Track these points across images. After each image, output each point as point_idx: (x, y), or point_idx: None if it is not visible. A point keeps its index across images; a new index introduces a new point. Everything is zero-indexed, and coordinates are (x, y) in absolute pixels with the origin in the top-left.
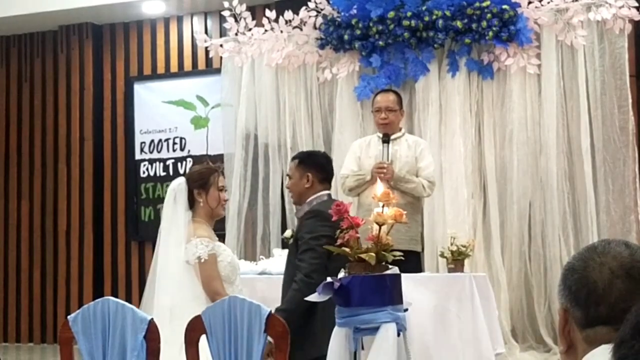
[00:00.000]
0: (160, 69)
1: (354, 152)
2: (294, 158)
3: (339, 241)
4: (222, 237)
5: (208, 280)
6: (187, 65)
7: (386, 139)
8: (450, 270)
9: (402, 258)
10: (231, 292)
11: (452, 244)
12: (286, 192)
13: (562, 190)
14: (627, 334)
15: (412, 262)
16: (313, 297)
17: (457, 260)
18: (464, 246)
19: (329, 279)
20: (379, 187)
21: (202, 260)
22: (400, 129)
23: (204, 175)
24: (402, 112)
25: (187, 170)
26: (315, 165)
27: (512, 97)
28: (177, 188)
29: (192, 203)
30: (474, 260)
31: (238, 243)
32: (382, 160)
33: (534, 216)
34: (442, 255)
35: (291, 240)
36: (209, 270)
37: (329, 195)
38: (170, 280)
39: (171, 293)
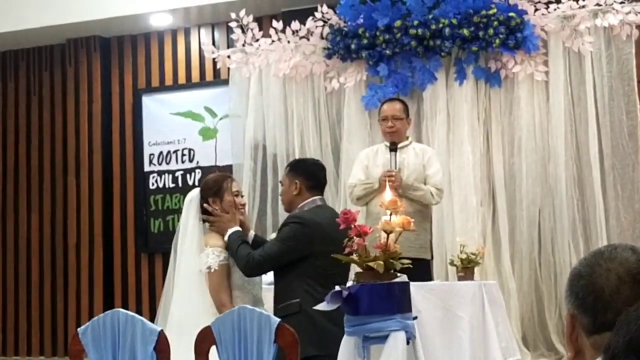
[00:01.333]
0: (168, 80)
1: (362, 161)
2: (287, 165)
3: (347, 250)
4: None
5: (215, 291)
6: (195, 76)
7: (393, 147)
8: (460, 278)
9: (411, 266)
10: (247, 302)
11: (461, 252)
12: None
13: (571, 196)
14: (619, 350)
15: (422, 270)
16: (321, 307)
17: (466, 268)
18: (473, 254)
19: (337, 288)
20: (387, 195)
21: (212, 270)
22: (407, 138)
23: (218, 182)
24: (408, 120)
25: (198, 181)
26: (304, 172)
27: (520, 104)
28: (192, 198)
29: (209, 212)
30: (484, 268)
31: None
32: (389, 168)
33: (543, 223)
34: (451, 263)
35: None
36: (217, 281)
37: (322, 199)
38: (182, 291)
39: (183, 304)
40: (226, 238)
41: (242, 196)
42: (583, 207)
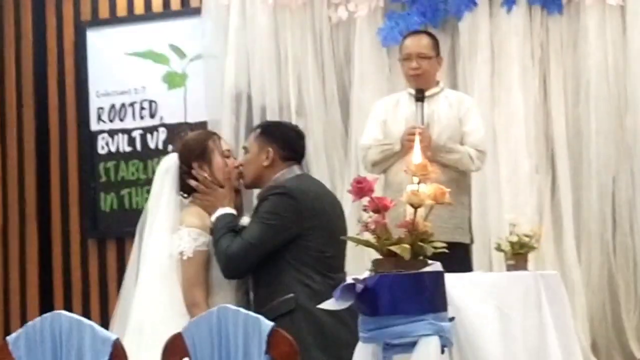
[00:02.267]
0: (122, 10)
1: (378, 115)
2: (255, 128)
3: (361, 229)
4: None
5: (188, 285)
6: (157, 5)
7: (420, 96)
8: (509, 268)
9: (446, 251)
10: (229, 301)
11: (511, 234)
12: None
13: None
14: None
15: (459, 257)
16: (328, 305)
17: (518, 254)
18: (527, 236)
19: (349, 280)
20: (415, 156)
21: (185, 258)
22: (437, 83)
23: (201, 142)
24: (439, 60)
25: (163, 143)
26: (280, 139)
27: (588, 37)
28: (169, 166)
29: (189, 185)
30: (541, 255)
31: None
32: (415, 123)
33: (619, 195)
34: (498, 248)
35: None
36: (191, 273)
37: (301, 168)
38: (146, 285)
39: (147, 302)
40: (213, 219)
41: (234, 158)
42: None
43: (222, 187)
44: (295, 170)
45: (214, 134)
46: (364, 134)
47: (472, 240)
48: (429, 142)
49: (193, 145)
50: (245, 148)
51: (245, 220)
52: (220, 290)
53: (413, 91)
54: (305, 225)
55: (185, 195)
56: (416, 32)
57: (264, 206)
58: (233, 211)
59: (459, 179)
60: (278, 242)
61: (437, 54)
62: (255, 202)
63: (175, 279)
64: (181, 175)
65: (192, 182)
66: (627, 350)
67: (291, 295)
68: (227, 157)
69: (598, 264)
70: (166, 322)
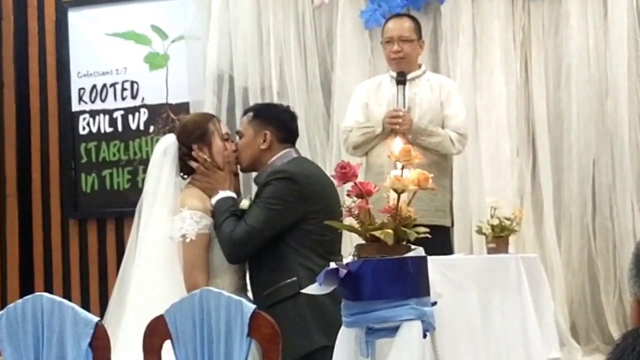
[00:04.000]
0: None
1: (360, 98)
2: (246, 111)
3: (344, 214)
4: None
5: (190, 267)
6: None
7: (401, 79)
8: (490, 251)
9: (429, 236)
10: (229, 284)
11: (492, 217)
12: None
13: (636, 142)
14: None
15: (439, 240)
16: (311, 289)
17: (499, 237)
18: (508, 219)
19: (332, 265)
20: (397, 143)
21: (188, 240)
22: (419, 66)
23: (200, 124)
24: (421, 43)
25: (144, 124)
26: (275, 120)
27: (569, 22)
28: (168, 147)
29: (189, 166)
30: (522, 238)
31: None
32: (396, 106)
33: (599, 178)
34: (479, 231)
35: None
36: (193, 255)
37: (297, 151)
38: (146, 266)
39: (146, 283)
40: (213, 202)
41: (232, 141)
42: None
43: (221, 169)
44: (292, 153)
45: (213, 116)
46: (346, 117)
47: (452, 223)
48: (410, 125)
49: (192, 127)
50: (238, 132)
51: (244, 203)
52: (221, 273)
53: (395, 74)
54: (308, 209)
55: (185, 176)
56: (398, 15)
57: (267, 191)
58: (233, 194)
59: (439, 162)
60: (282, 227)
61: (419, 37)
62: (249, 185)
63: (176, 261)
64: (181, 157)
65: (193, 164)
66: (606, 332)
67: (294, 279)
68: (227, 140)
69: (578, 247)
70: (166, 305)
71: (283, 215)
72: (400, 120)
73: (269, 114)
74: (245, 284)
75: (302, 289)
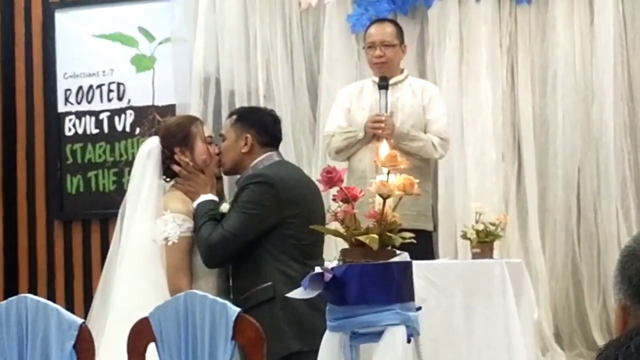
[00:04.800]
0: None
1: (342, 103)
2: (230, 114)
3: (330, 218)
4: None
5: (173, 270)
6: None
7: (384, 84)
8: (475, 256)
9: (414, 241)
10: (212, 287)
11: (477, 222)
12: None
13: (620, 149)
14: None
15: (421, 244)
16: (296, 294)
17: (483, 242)
18: (492, 224)
19: (317, 269)
20: (383, 148)
21: (170, 243)
22: (402, 71)
23: (184, 127)
24: (403, 47)
25: (130, 125)
26: (257, 124)
27: (556, 27)
28: (151, 149)
29: (171, 169)
30: (506, 243)
31: None
32: (378, 111)
33: (584, 184)
34: (464, 236)
35: None
36: (176, 259)
37: (279, 154)
38: (129, 269)
39: (129, 286)
40: (194, 205)
41: (215, 144)
42: (636, 164)
43: (203, 173)
44: (274, 157)
45: (197, 119)
46: (328, 122)
47: (435, 228)
48: (392, 130)
49: (175, 130)
50: (222, 135)
51: (224, 207)
52: (204, 276)
53: (377, 79)
54: (285, 214)
55: (168, 179)
56: (380, 20)
57: (244, 195)
58: (215, 198)
59: (422, 166)
60: (259, 231)
61: (401, 42)
62: (232, 188)
63: (159, 264)
64: (164, 160)
65: (176, 167)
66: (589, 338)
67: (269, 283)
68: (209, 143)
69: (562, 253)
70: (149, 307)
71: (260, 220)
72: (382, 125)
73: (251, 117)
74: (229, 287)
75: (277, 294)
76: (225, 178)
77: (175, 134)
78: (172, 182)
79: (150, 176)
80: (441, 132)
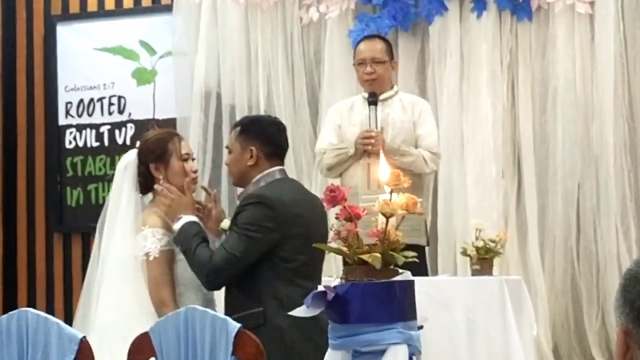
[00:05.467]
0: (92, 5)
1: (333, 120)
2: (235, 125)
3: (333, 237)
4: None
5: (155, 285)
6: (128, 0)
7: (373, 100)
8: (474, 273)
9: (417, 260)
10: (194, 300)
11: (477, 238)
12: None
13: (620, 167)
14: None
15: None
16: (299, 312)
17: (483, 259)
18: (492, 241)
19: (320, 287)
20: (383, 166)
21: (151, 258)
22: (392, 87)
23: (161, 143)
24: (393, 64)
25: (131, 139)
26: (261, 135)
27: (557, 44)
28: (128, 163)
29: (150, 183)
30: (505, 259)
31: None
32: (369, 127)
33: (583, 201)
34: (463, 252)
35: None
36: (158, 272)
37: (282, 171)
38: (111, 285)
39: (111, 301)
40: (177, 227)
41: (193, 159)
42: (636, 181)
43: (180, 191)
44: (276, 174)
45: (176, 135)
46: (319, 139)
47: (428, 243)
48: (383, 145)
49: (153, 146)
50: (227, 148)
51: (225, 223)
52: (185, 290)
53: (367, 95)
54: (284, 234)
55: (141, 194)
56: (370, 37)
57: (243, 217)
58: (196, 219)
59: (414, 181)
60: (260, 253)
61: (391, 58)
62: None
63: (141, 279)
64: (139, 174)
65: (157, 187)
66: (588, 355)
67: (260, 309)
68: (186, 160)
69: (561, 269)
70: (134, 321)
71: (262, 242)
72: (372, 141)
73: (255, 129)
74: (212, 299)
75: (267, 321)
76: (224, 191)
77: (152, 150)
78: (151, 199)
79: (127, 190)
80: (432, 146)
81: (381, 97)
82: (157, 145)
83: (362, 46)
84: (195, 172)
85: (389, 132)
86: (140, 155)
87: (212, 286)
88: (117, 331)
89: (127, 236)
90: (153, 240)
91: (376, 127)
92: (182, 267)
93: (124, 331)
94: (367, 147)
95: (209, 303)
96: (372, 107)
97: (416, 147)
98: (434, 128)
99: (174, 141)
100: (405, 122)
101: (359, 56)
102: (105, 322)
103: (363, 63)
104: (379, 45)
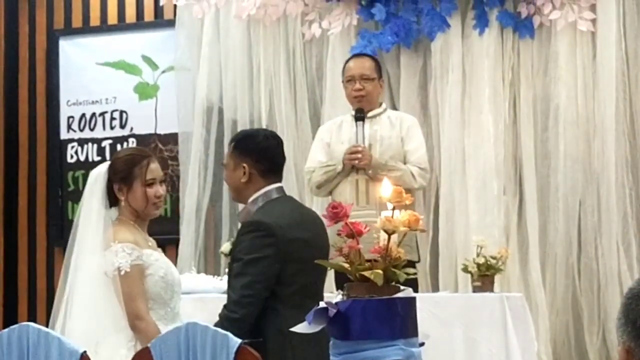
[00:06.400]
0: (95, 20)
1: (322, 139)
2: (230, 141)
3: (335, 253)
4: (174, 242)
5: (129, 299)
6: (130, 15)
7: (360, 116)
8: (475, 290)
9: (416, 277)
10: (162, 315)
11: (478, 255)
12: None
13: (622, 184)
14: None
15: None
16: (301, 328)
17: (484, 276)
18: (494, 258)
19: (322, 304)
20: (386, 185)
21: (123, 273)
22: (380, 104)
23: (128, 165)
24: (381, 82)
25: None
26: (254, 152)
27: (559, 62)
28: (98, 176)
29: (115, 199)
30: (506, 276)
31: (196, 251)
32: (356, 143)
33: (585, 218)
34: (464, 269)
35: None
36: (131, 287)
37: (279, 189)
38: (83, 301)
39: (86, 318)
40: None
41: (161, 182)
42: (638, 200)
43: (138, 214)
44: (272, 193)
45: (147, 157)
46: (308, 158)
47: (419, 259)
48: (370, 160)
49: (120, 167)
50: (223, 164)
51: (226, 247)
52: (154, 304)
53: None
54: (285, 259)
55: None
56: (359, 55)
57: (246, 248)
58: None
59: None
60: (270, 281)
61: (380, 76)
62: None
63: (112, 295)
64: (108, 188)
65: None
66: None
67: (260, 339)
68: (150, 184)
69: (562, 287)
70: (109, 336)
71: (268, 272)
72: (359, 156)
73: (247, 145)
74: (178, 314)
75: (268, 352)
76: (225, 206)
77: (119, 170)
78: (118, 214)
79: (97, 207)
80: (420, 162)
81: (370, 114)
82: (123, 167)
83: (351, 63)
84: (158, 197)
85: (377, 149)
86: (109, 171)
87: (242, 330)
88: (92, 346)
89: (97, 251)
90: (123, 255)
91: (363, 143)
92: (151, 281)
93: (102, 349)
94: (354, 163)
95: (175, 317)
96: (359, 122)
97: (405, 162)
98: (422, 143)
99: (141, 165)
100: (393, 138)
101: (347, 73)
102: (80, 337)
103: (352, 80)
104: (367, 62)
